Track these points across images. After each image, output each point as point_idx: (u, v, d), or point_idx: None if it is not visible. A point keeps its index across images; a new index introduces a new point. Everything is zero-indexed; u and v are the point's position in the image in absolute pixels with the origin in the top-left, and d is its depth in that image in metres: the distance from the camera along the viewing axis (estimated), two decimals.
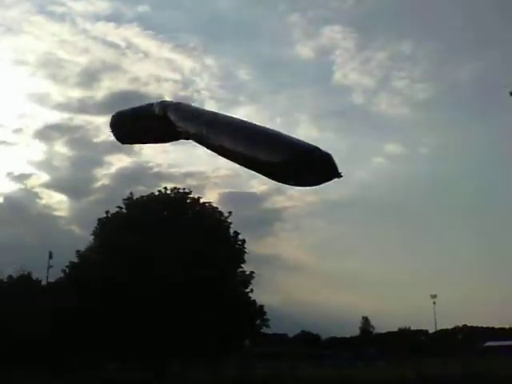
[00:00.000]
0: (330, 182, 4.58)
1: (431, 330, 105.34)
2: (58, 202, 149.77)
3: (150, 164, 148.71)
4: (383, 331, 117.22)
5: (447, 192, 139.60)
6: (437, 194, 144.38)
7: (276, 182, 5.18)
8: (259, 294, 49.52)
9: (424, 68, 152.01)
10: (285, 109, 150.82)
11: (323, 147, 4.61)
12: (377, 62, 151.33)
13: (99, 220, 46.82)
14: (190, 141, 5.85)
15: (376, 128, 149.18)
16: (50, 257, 58.26)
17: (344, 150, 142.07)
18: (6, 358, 40.71)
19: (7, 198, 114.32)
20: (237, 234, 45.68)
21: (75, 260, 46.30)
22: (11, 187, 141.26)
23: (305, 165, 4.50)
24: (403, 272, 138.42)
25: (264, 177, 4.94)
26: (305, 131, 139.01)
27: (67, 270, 47.19)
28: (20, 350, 41.24)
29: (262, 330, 47.55)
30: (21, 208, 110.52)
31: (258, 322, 45.74)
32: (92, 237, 46.52)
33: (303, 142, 4.73)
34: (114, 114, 6.36)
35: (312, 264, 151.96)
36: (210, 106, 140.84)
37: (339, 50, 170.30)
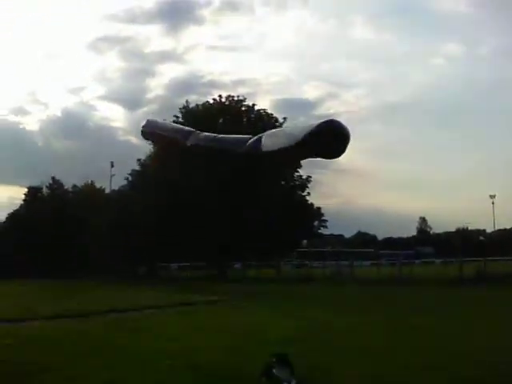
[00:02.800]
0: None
1: (489, 230, 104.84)
2: (114, 113, 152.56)
3: (202, 73, 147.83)
4: (441, 231, 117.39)
5: (508, 93, 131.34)
6: (498, 95, 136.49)
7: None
8: (317, 197, 50.33)
9: None
10: (338, 9, 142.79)
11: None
12: None
13: None
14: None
15: (436, 27, 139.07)
16: (112, 166, 60.85)
17: (401, 51, 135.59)
18: None
19: (65, 111, 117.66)
20: None
21: (137, 168, 48.30)
22: (68, 100, 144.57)
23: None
24: (462, 173, 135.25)
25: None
26: (360, 33, 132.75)
27: (130, 178, 49.41)
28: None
29: (319, 231, 49.02)
30: (79, 120, 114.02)
31: (315, 223, 47.04)
32: (151, 146, 47.97)
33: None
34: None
35: (369, 168, 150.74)
36: (260, 11, 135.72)
37: None
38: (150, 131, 7.52)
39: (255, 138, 6.13)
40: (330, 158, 5.72)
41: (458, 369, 7.45)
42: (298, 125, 6.09)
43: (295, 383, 6.34)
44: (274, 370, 6.47)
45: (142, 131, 7.50)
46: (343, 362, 7.99)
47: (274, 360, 6.55)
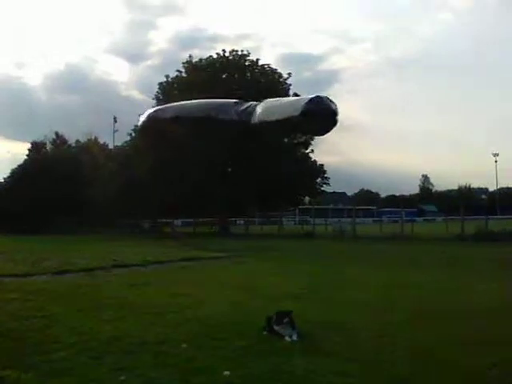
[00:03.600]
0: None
1: (492, 189, 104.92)
2: (116, 67, 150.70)
3: (204, 26, 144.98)
4: (443, 189, 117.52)
5: None
6: (505, 49, 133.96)
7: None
8: (320, 154, 50.07)
9: None
10: None
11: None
12: None
13: (160, 84, 47.43)
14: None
15: None
16: (115, 121, 60.57)
17: (407, 4, 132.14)
18: None
19: (68, 64, 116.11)
20: (296, 95, 45.33)
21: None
22: (70, 54, 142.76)
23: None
24: (466, 131, 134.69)
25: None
26: None
27: (133, 134, 49.12)
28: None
29: (322, 188, 49.07)
30: (81, 75, 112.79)
31: (318, 180, 47.04)
32: (154, 101, 47.44)
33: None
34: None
35: (372, 125, 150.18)
36: None
37: None
38: (154, 121, 7.07)
39: (247, 106, 5.99)
40: (319, 135, 5.76)
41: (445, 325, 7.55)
42: (290, 100, 6.10)
43: (296, 337, 6.45)
44: (276, 327, 6.58)
45: (144, 126, 7.05)
46: (345, 316, 8.08)
47: (275, 317, 6.65)
